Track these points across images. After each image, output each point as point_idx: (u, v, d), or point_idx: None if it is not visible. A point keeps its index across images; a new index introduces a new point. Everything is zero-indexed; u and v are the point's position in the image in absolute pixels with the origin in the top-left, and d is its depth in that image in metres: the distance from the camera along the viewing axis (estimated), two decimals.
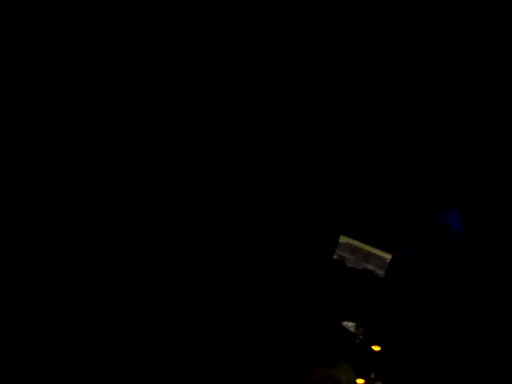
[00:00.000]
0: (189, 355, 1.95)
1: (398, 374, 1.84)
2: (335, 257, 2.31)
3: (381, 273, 2.16)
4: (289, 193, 2.41)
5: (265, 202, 2.34)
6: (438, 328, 1.94)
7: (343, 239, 2.36)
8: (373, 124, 2.55)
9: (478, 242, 2.10)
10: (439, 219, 2.16)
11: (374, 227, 2.31)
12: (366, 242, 2.29)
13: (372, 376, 1.87)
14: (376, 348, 1.85)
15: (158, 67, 2.43)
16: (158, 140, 2.40)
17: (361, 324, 1.99)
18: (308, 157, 2.45)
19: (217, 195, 2.31)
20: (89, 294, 2.05)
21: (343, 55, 2.50)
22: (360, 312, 2.06)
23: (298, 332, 2.06)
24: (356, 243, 2.31)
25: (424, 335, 1.95)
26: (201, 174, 2.34)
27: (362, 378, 1.87)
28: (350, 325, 1.98)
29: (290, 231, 2.29)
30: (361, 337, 1.92)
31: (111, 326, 1.99)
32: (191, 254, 2.26)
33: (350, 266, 2.23)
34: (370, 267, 2.20)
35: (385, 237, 2.27)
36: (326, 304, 2.13)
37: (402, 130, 2.52)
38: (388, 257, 2.18)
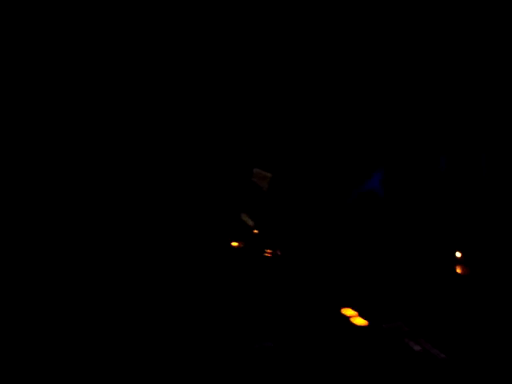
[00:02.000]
0: None
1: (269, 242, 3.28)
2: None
3: (266, 186, 3.58)
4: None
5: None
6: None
7: (255, 170, 3.82)
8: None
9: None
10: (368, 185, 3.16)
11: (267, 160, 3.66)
12: (263, 169, 3.69)
13: (278, 252, 3.35)
14: (255, 231, 3.37)
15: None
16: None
17: (254, 220, 3.50)
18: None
19: None
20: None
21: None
22: (255, 213, 3.55)
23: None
24: (259, 170, 3.75)
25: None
26: None
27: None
28: (250, 222, 3.53)
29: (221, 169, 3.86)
30: (253, 225, 3.46)
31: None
32: None
33: (256, 184, 3.71)
34: (265, 185, 3.63)
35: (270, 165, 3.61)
36: (240, 209, 3.69)
37: None
38: (269, 175, 3.57)
